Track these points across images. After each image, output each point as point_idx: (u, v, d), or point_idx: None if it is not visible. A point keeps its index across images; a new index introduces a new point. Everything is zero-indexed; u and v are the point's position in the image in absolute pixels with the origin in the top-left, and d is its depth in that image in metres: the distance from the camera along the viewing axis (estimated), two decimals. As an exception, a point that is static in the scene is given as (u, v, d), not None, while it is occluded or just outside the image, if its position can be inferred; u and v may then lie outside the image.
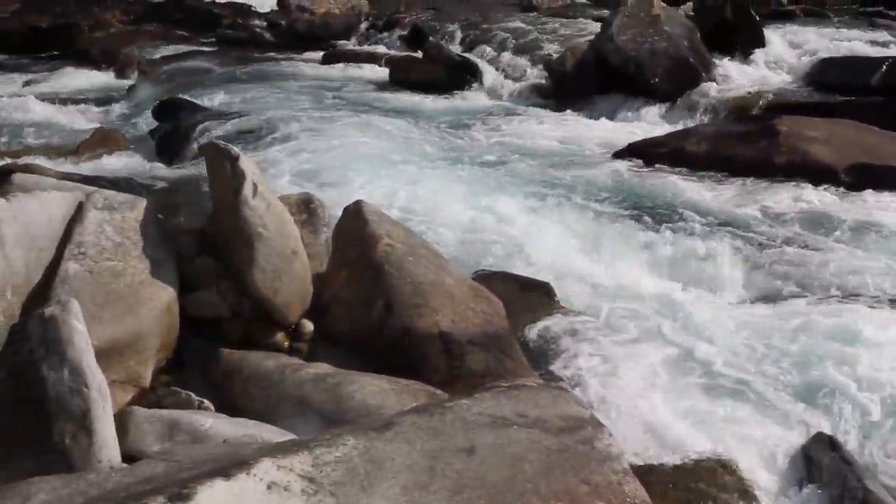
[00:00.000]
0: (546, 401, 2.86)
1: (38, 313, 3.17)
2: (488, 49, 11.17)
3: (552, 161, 7.57)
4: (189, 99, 9.60)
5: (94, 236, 4.14)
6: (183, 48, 13.15)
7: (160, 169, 7.81)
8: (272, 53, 12.44)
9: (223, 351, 4.05)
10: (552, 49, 10.81)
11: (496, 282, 5.05)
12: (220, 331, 4.31)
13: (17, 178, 5.15)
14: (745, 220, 6.17)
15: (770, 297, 5.13)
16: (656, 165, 7.48)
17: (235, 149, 4.24)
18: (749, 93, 9.40)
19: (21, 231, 3.96)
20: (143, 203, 4.46)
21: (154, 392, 3.95)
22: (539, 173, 7.23)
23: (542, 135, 8.42)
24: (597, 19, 11.62)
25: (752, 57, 10.35)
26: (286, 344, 4.27)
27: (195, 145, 8.09)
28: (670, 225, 5.96)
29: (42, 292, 3.93)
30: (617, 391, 3.97)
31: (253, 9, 15.32)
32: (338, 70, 11.30)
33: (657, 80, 9.41)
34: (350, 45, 12.55)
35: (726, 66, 10.04)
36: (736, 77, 9.90)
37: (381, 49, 12.13)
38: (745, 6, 10.91)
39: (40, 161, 7.92)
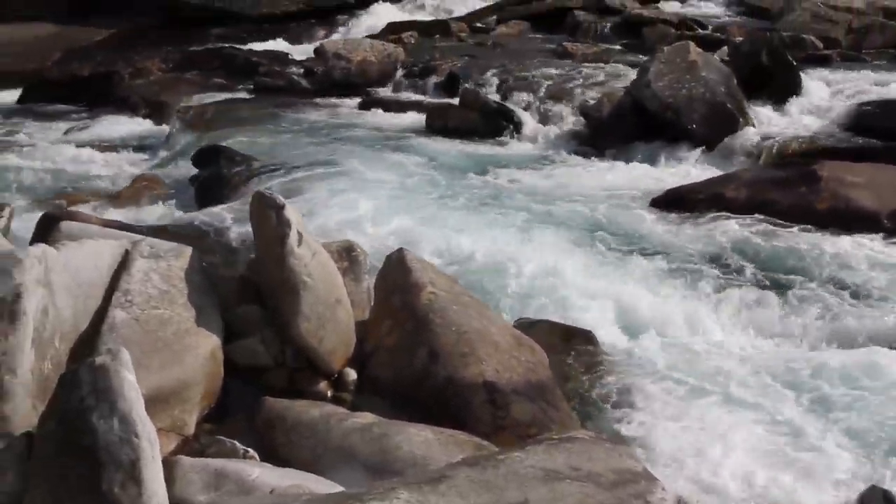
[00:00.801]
0: (599, 454, 2.84)
1: (88, 362, 3.19)
2: (524, 96, 11.18)
3: (590, 207, 7.54)
4: (228, 146, 9.66)
5: (140, 284, 4.18)
6: (221, 95, 13.24)
7: (200, 216, 7.84)
8: (309, 100, 12.50)
9: (267, 399, 4.05)
10: (588, 95, 10.81)
11: (538, 330, 5.03)
12: (263, 379, 4.33)
13: (64, 225, 5.21)
14: (788, 267, 6.13)
15: (820, 345, 5.08)
16: (695, 211, 7.44)
17: (281, 198, 4.28)
18: (787, 138, 9.35)
19: (69, 279, 4.01)
20: (188, 251, 4.50)
21: (198, 440, 3.96)
22: (578, 219, 7.22)
23: (579, 181, 8.41)
24: (633, 65, 11.63)
25: (789, 102, 10.31)
26: (329, 393, 4.27)
27: (235, 193, 8.16)
28: (713, 271, 5.93)
29: (89, 340, 3.96)
30: (668, 443, 3.93)
31: (290, 56, 15.41)
32: (374, 117, 11.35)
33: (694, 125, 9.39)
34: (386, 92, 12.60)
35: (764, 112, 10.00)
36: (774, 122, 9.86)
37: (417, 96, 12.18)
38: (781, 51, 10.89)
39: (83, 208, 8.02)
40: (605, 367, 4.74)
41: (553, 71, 12.00)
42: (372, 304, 4.73)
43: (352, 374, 4.34)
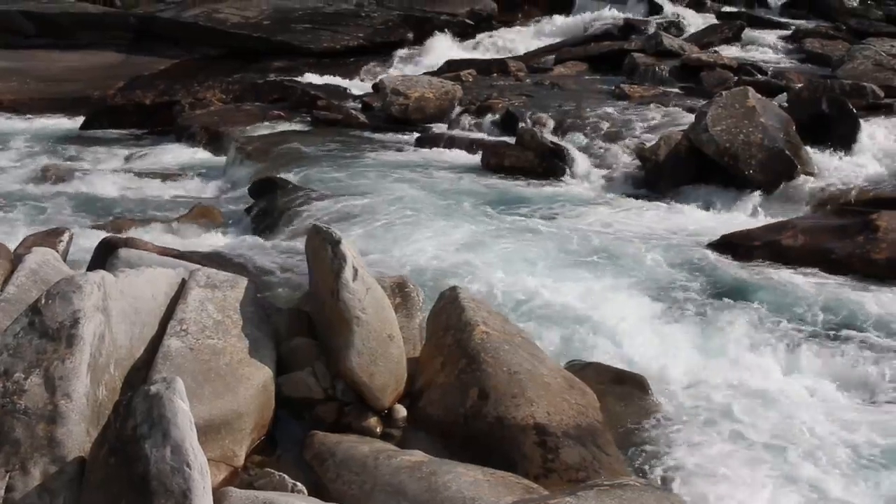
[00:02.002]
0: (649, 501, 2.80)
1: (143, 390, 3.22)
2: (581, 136, 11.18)
3: (646, 250, 7.49)
4: (284, 178, 9.76)
5: (195, 314, 4.22)
6: (279, 127, 13.38)
7: (255, 246, 7.92)
8: (366, 135, 12.60)
9: (317, 433, 4.06)
10: (645, 138, 10.78)
11: (589, 372, 4.99)
12: (313, 412, 4.34)
13: (123, 252, 5.29)
14: (844, 318, 6.04)
15: (878, 399, 4.99)
16: (751, 258, 7.37)
17: (337, 232, 4.30)
18: (846, 186, 9.25)
19: (127, 306, 4.06)
20: (243, 282, 4.54)
21: (247, 472, 3.97)
22: (632, 262, 7.17)
23: (635, 223, 8.37)
24: (690, 109, 11.59)
25: (848, 150, 10.20)
26: (379, 429, 4.26)
27: (290, 224, 8.23)
28: (768, 320, 5.86)
29: (144, 367, 4.00)
30: (719, 494, 3.87)
31: (348, 91, 15.58)
32: (430, 153, 11.39)
33: (752, 171, 9.32)
34: (443, 128, 12.66)
35: (822, 159, 9.90)
36: (832, 170, 9.75)
37: (473, 134, 12.19)
38: (841, 99, 10.80)
39: (140, 234, 8.13)
40: (657, 413, 4.68)
41: (610, 112, 11.99)
42: (424, 340, 4.73)
43: (402, 411, 4.33)
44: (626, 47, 16.35)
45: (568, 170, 10.28)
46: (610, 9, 20.23)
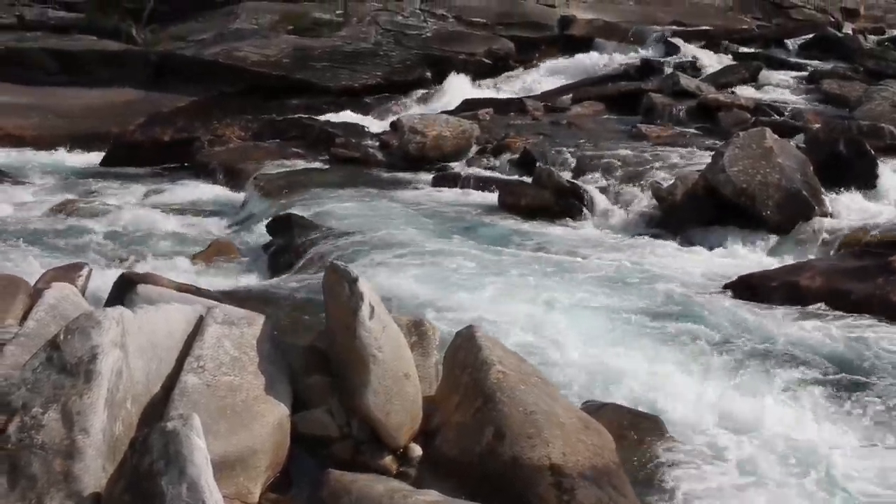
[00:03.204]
0: (666, 546, 2.78)
1: (160, 426, 3.23)
2: (598, 176, 11.21)
3: (662, 290, 7.49)
4: (301, 215, 9.81)
5: (212, 350, 4.23)
6: (297, 165, 13.46)
7: (272, 283, 7.95)
8: (383, 173, 12.67)
9: (332, 472, 4.04)
10: (662, 177, 10.80)
11: (605, 413, 4.97)
12: (328, 451, 4.32)
13: (141, 288, 5.32)
14: (863, 361, 6.01)
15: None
16: (769, 299, 7.35)
17: (354, 270, 4.32)
18: (864, 227, 9.23)
19: (144, 342, 4.07)
20: (260, 319, 4.55)
21: (261, 510, 3.96)
22: (648, 302, 7.17)
23: (651, 264, 8.37)
24: (707, 149, 11.61)
25: (866, 191, 10.20)
26: (395, 468, 4.25)
27: (307, 261, 8.26)
28: (786, 362, 5.83)
29: (160, 403, 4.01)
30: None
31: (366, 129, 15.66)
32: (447, 192, 11.44)
33: (769, 212, 9.32)
34: (460, 167, 12.71)
35: (840, 200, 9.89)
36: (850, 211, 9.75)
37: (490, 173, 12.26)
38: (859, 140, 10.81)
39: (158, 270, 8.17)
40: (673, 455, 4.65)
41: (627, 152, 12.03)
42: (440, 379, 4.72)
43: (417, 450, 4.32)
44: (643, 87, 16.42)
45: (585, 210, 10.30)
46: (627, 50, 20.34)
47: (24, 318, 5.18)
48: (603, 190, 10.82)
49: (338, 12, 22.47)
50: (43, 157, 16.36)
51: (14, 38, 21.56)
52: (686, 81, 16.04)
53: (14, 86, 19.65)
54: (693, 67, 18.34)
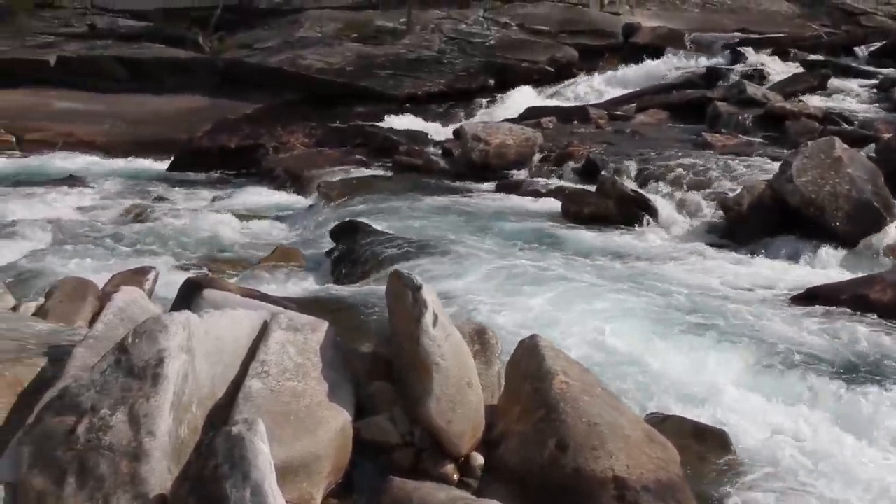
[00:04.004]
0: (733, 562, 2.74)
1: (224, 431, 3.25)
2: (662, 185, 11.11)
3: (727, 302, 7.38)
4: (365, 222, 9.85)
5: (277, 356, 4.25)
6: (361, 171, 13.57)
7: (335, 290, 8.00)
8: (446, 181, 12.69)
9: (394, 479, 4.04)
10: (728, 187, 10.67)
11: (670, 426, 4.91)
12: (390, 458, 4.32)
13: (207, 293, 5.37)
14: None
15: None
16: (837, 312, 7.19)
17: (418, 278, 4.31)
18: (938, 239, 9.03)
19: (210, 347, 4.11)
20: (324, 325, 4.56)
21: (323, 515, 3.97)
22: (713, 314, 7.06)
23: (715, 274, 8.26)
24: (774, 159, 11.45)
25: (940, 201, 9.98)
26: (456, 476, 4.23)
27: (370, 268, 8.29)
28: (856, 377, 5.71)
29: (225, 408, 4.04)
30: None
31: (429, 136, 15.71)
32: (510, 200, 11.42)
33: (838, 223, 9.14)
34: (523, 175, 12.69)
35: (912, 212, 9.68)
36: (922, 222, 9.54)
37: (553, 181, 12.22)
38: (932, 150, 10.59)
39: (224, 275, 8.27)
40: (739, 470, 4.58)
41: (692, 161, 11.89)
42: (502, 388, 4.70)
43: (479, 459, 4.30)
44: (708, 96, 16.26)
45: (649, 219, 10.21)
46: (693, 57, 20.16)
47: (93, 320, 5.27)
48: (667, 199, 10.71)
49: (401, 20, 22.59)
50: (113, 162, 16.70)
51: (85, 46, 22.06)
52: (752, 90, 15.83)
53: (85, 93, 20.12)
54: (760, 76, 18.09)
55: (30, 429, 3.54)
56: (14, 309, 5.76)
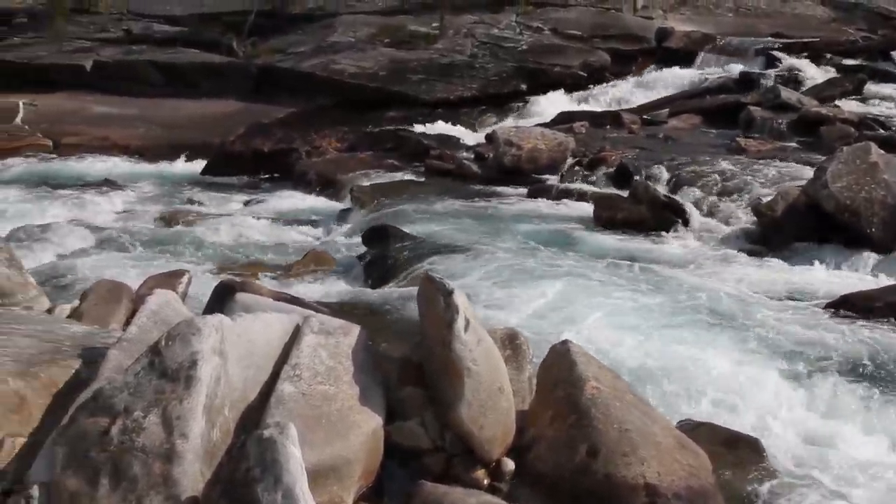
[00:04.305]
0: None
1: (256, 434, 3.28)
2: (695, 190, 11.05)
3: (761, 308, 7.33)
4: (397, 226, 9.87)
5: (309, 359, 4.27)
6: (393, 176, 13.59)
7: (367, 293, 8.01)
8: (478, 185, 12.67)
9: (425, 484, 4.04)
10: (761, 193, 10.59)
11: (702, 433, 4.87)
12: (421, 462, 4.33)
13: (240, 296, 5.40)
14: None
15: None
16: (872, 319, 7.12)
17: (450, 283, 4.31)
18: (974, 247, 8.92)
19: (242, 350, 4.13)
20: (356, 329, 4.58)
21: (353, 519, 3.98)
22: (747, 320, 7.01)
23: (750, 280, 8.19)
24: (809, 164, 11.35)
25: (977, 209, 9.85)
26: (486, 481, 4.23)
27: (402, 272, 8.30)
28: (890, 385, 5.65)
29: (257, 411, 4.06)
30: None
31: (461, 141, 15.72)
32: (542, 205, 11.39)
33: (873, 229, 9.05)
34: (555, 180, 12.65)
35: (949, 218, 9.56)
36: (959, 229, 9.41)
37: (585, 186, 12.18)
38: (970, 156, 10.46)
39: (256, 278, 8.31)
40: (771, 479, 4.54)
41: (725, 166, 11.82)
42: (533, 394, 4.69)
43: (510, 464, 4.30)
44: (742, 100, 16.14)
45: (682, 224, 10.15)
46: (727, 62, 20.04)
47: (127, 323, 5.31)
48: (700, 204, 10.66)
49: (434, 25, 22.61)
50: (147, 166, 16.83)
51: (121, 51, 22.27)
52: (787, 94, 15.71)
53: (121, 97, 20.31)
54: (794, 80, 17.95)
55: (64, 430, 3.58)
56: (49, 311, 5.81)
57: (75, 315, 5.81)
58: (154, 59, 21.60)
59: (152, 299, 4.91)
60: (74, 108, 19.88)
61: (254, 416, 4.03)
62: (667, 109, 16.93)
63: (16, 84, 20.59)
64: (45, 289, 6.64)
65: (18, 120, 19.22)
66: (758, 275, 8.47)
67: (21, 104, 19.81)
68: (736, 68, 19.33)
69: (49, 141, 18.33)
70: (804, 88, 17.28)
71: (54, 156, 17.76)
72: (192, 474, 3.47)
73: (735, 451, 4.84)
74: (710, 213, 10.49)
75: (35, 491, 3.42)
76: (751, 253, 9.32)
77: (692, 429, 4.90)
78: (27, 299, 5.82)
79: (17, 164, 16.93)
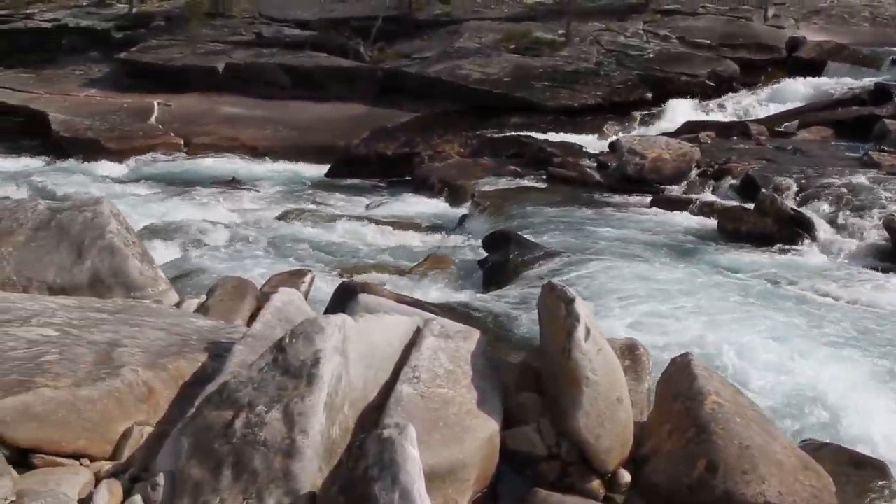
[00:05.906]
0: None
1: (376, 433, 3.31)
2: (824, 204, 10.74)
3: (890, 329, 7.09)
4: (518, 233, 9.85)
5: (428, 362, 4.29)
6: (515, 182, 13.59)
7: (486, 298, 8.02)
8: (600, 193, 12.58)
9: (539, 491, 4.03)
10: (895, 209, 10.24)
11: (825, 454, 4.72)
12: (536, 469, 4.31)
13: (362, 297, 5.47)
14: None
15: None
16: None
17: (572, 291, 4.29)
18: None
19: (364, 350, 4.18)
20: (476, 334, 4.59)
21: (468, 524, 3.98)
22: (877, 342, 6.79)
23: (880, 299, 7.93)
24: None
25: None
26: (602, 492, 4.19)
27: (522, 279, 8.28)
28: None
29: (376, 410, 4.10)
30: None
31: (583, 149, 15.61)
32: (665, 215, 11.23)
33: None
34: (679, 191, 12.47)
35: None
36: None
37: (710, 197, 11.96)
38: None
39: (377, 280, 8.41)
40: (899, 504, 4.38)
41: (856, 180, 11.46)
42: (651, 406, 4.63)
43: (626, 476, 4.24)
44: (876, 113, 15.64)
45: (809, 239, 9.88)
46: (860, 74, 19.43)
47: (252, 319, 5.43)
48: (829, 219, 10.35)
49: (560, 32, 22.54)
50: (274, 166, 17.23)
51: (252, 54, 22.83)
52: (925, 107, 15.17)
53: (250, 99, 20.85)
54: (933, 93, 17.29)
55: (190, 421, 3.68)
56: (177, 305, 5.97)
57: (202, 310, 5.96)
58: (283, 62, 22.08)
59: (277, 297, 5.01)
60: (205, 109, 20.49)
61: (373, 415, 4.08)
62: (796, 121, 16.51)
63: (152, 85, 21.35)
64: (173, 283, 6.85)
65: (153, 119, 19.92)
66: (888, 293, 8.17)
67: (156, 104, 20.52)
68: (869, 79, 18.72)
69: (181, 140, 18.95)
70: (944, 101, 16.62)
71: (185, 154, 18.33)
72: (311, 470, 3.52)
73: (860, 473, 4.68)
74: (839, 228, 10.18)
75: (161, 479, 3.53)
76: (881, 270, 9.02)
77: (815, 449, 4.75)
78: (157, 293, 5.99)
79: (151, 162, 17.53)
